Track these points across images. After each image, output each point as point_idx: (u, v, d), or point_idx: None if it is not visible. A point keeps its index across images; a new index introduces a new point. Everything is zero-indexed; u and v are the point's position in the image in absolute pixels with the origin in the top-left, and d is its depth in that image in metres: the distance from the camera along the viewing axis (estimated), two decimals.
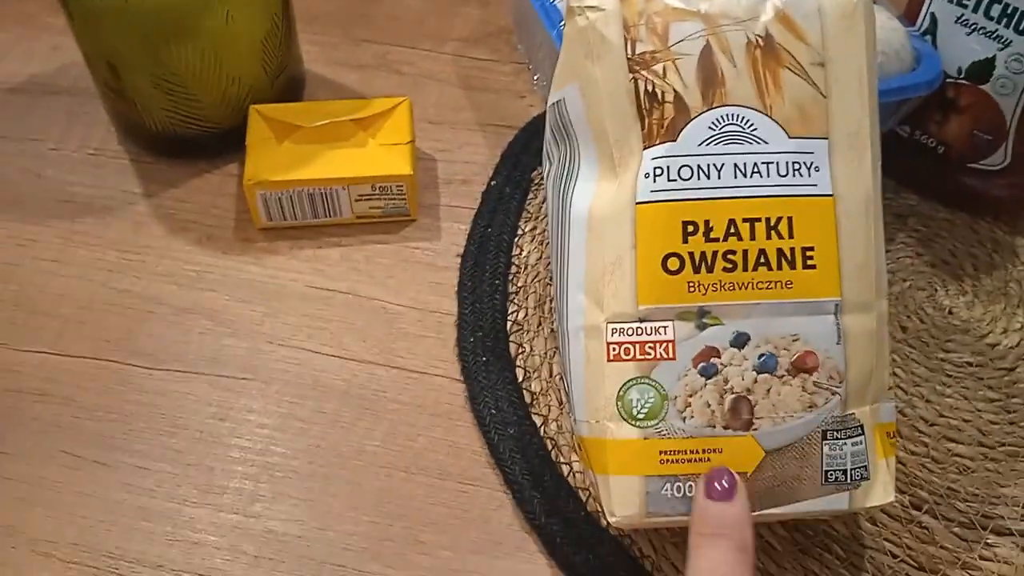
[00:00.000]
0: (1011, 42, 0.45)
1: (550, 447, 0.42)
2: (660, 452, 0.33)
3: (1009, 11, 0.44)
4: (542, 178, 0.51)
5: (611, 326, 0.34)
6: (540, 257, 0.49)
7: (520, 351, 0.45)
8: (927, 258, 0.50)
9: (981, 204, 0.51)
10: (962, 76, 0.47)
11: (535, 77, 0.58)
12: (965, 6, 0.46)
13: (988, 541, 0.40)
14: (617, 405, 0.33)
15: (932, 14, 0.47)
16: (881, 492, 0.34)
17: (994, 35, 0.45)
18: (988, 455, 0.42)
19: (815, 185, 0.33)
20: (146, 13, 0.46)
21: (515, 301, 0.48)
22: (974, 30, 0.46)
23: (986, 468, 0.42)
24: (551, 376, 0.44)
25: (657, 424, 0.33)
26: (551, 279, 0.47)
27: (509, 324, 0.46)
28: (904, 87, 0.44)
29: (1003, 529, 0.40)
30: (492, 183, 0.53)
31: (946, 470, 0.42)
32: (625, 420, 0.33)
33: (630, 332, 0.34)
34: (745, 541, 0.31)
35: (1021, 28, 0.44)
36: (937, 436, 0.43)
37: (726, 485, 0.32)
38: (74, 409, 0.43)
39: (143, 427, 0.43)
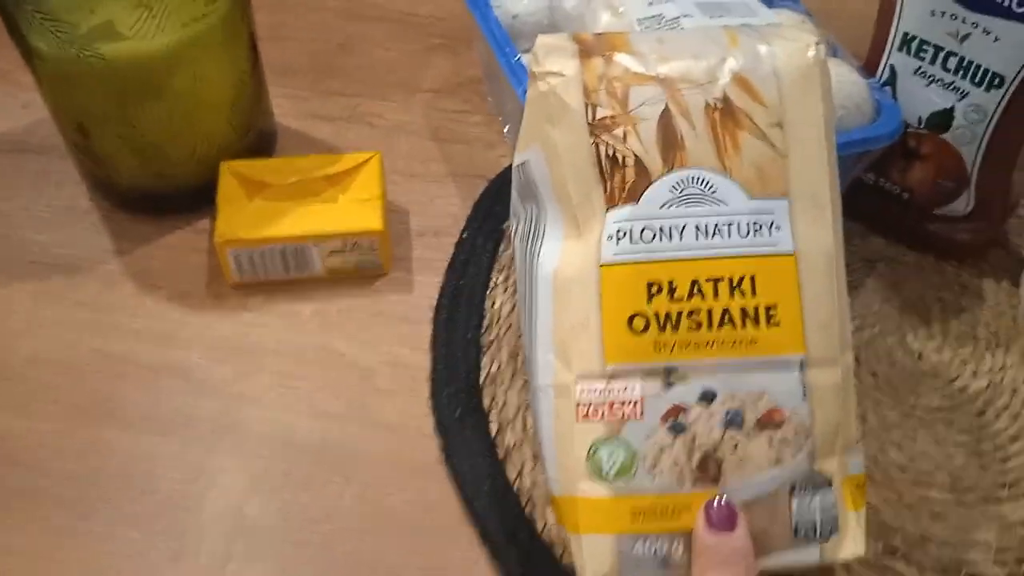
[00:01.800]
0: (968, 93, 0.46)
1: (524, 502, 0.42)
2: (631, 510, 0.33)
3: (965, 63, 0.45)
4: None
5: (579, 386, 0.34)
6: (513, 309, 0.50)
7: (494, 404, 0.45)
8: (896, 303, 0.51)
9: (947, 249, 0.52)
10: (923, 126, 0.48)
11: (505, 128, 0.59)
12: (923, 59, 0.47)
13: None
14: (587, 464, 0.34)
15: (891, 66, 0.48)
16: (852, 544, 0.34)
17: (951, 86, 0.46)
18: (961, 500, 0.43)
19: (776, 244, 0.34)
20: (113, 75, 0.46)
21: (488, 353, 0.48)
22: (932, 81, 0.47)
23: (959, 513, 0.42)
24: (525, 429, 0.44)
25: (628, 482, 0.33)
26: (521, 333, 0.47)
27: (483, 377, 0.47)
28: (865, 139, 0.45)
29: (977, 574, 0.40)
30: (464, 235, 0.54)
31: (919, 516, 0.42)
32: (595, 479, 0.33)
33: (598, 392, 0.34)
34: (752, 569, 0.31)
35: (977, 80, 0.45)
36: (910, 482, 0.43)
37: (726, 515, 0.32)
38: (48, 478, 0.43)
39: (115, 493, 0.42)
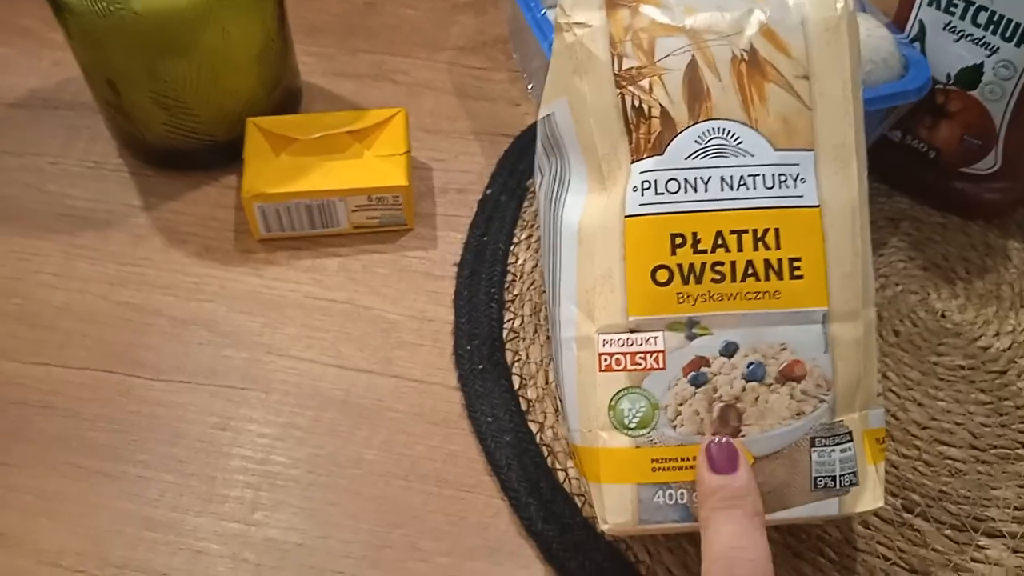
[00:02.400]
0: (998, 49, 0.45)
1: (546, 454, 0.43)
2: (652, 460, 0.34)
3: (996, 18, 0.45)
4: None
5: (602, 337, 0.34)
6: (535, 265, 0.50)
7: (516, 359, 0.46)
8: (920, 262, 0.50)
9: (973, 208, 0.52)
10: (951, 82, 0.48)
11: (529, 86, 0.59)
12: (952, 13, 0.46)
13: (979, 543, 0.40)
14: (609, 414, 0.34)
15: (920, 21, 0.48)
16: (870, 497, 0.34)
17: (981, 42, 0.46)
18: (980, 458, 0.43)
19: (801, 196, 0.34)
20: (142, 30, 0.47)
21: (511, 309, 0.48)
22: (962, 37, 0.46)
23: (977, 471, 0.42)
24: (547, 383, 0.45)
25: (648, 433, 0.34)
26: (544, 288, 0.48)
27: (505, 332, 0.47)
28: (892, 95, 0.45)
29: (994, 531, 0.40)
30: (488, 192, 0.54)
31: (938, 473, 0.42)
32: (617, 429, 0.34)
33: (621, 343, 0.34)
34: (756, 506, 0.32)
35: (1008, 35, 0.45)
36: (929, 439, 0.43)
37: (728, 456, 0.32)
38: (77, 421, 0.44)
39: (145, 437, 0.43)
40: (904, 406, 0.44)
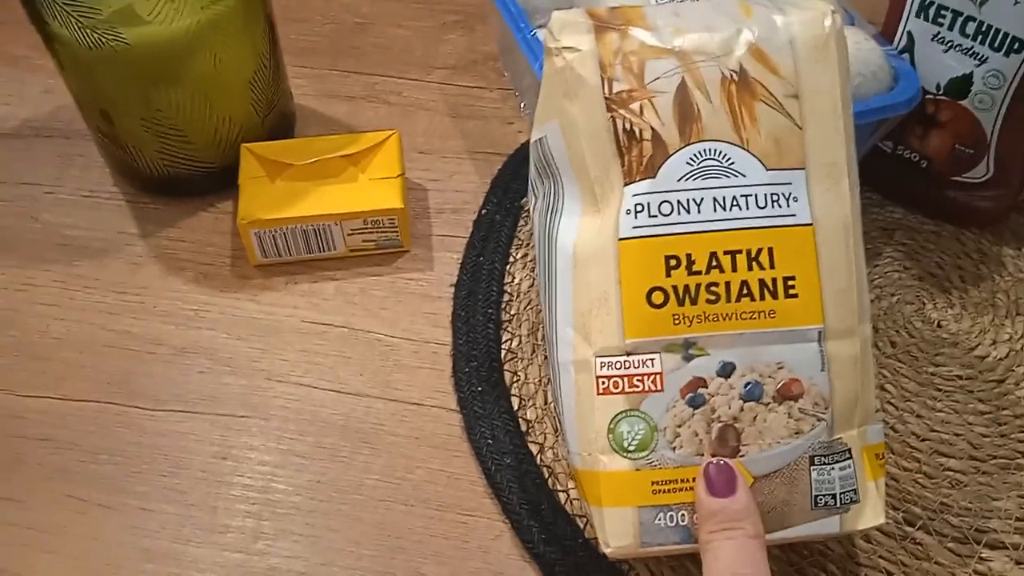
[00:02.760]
0: (987, 59, 0.45)
1: (547, 475, 0.43)
2: (652, 483, 0.34)
3: (984, 28, 0.45)
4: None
5: (599, 360, 0.34)
6: (532, 284, 0.50)
7: (515, 379, 0.46)
8: (915, 271, 0.51)
9: (966, 216, 0.52)
10: (941, 92, 0.48)
11: (522, 104, 0.59)
12: (941, 24, 0.46)
13: (982, 555, 0.40)
14: (608, 437, 0.34)
15: (909, 32, 0.48)
16: (871, 514, 0.34)
17: (970, 52, 0.46)
18: (980, 468, 0.43)
19: (794, 215, 0.34)
20: (134, 60, 0.47)
21: (508, 329, 0.48)
22: (950, 47, 0.47)
23: (978, 481, 0.42)
24: (546, 403, 0.45)
25: (648, 455, 0.34)
26: (541, 309, 0.48)
27: (503, 352, 0.47)
28: (883, 107, 0.45)
29: (996, 543, 0.40)
30: (483, 212, 0.54)
31: (939, 485, 0.42)
32: (617, 452, 0.34)
33: (618, 365, 0.34)
34: (756, 528, 0.32)
35: (996, 45, 0.45)
36: (929, 451, 0.43)
37: (726, 478, 0.32)
38: (78, 453, 0.44)
39: (146, 468, 0.43)
40: (903, 418, 0.45)
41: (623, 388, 0.34)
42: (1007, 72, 0.45)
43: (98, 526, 0.41)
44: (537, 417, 0.45)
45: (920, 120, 0.49)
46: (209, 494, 0.43)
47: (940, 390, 0.46)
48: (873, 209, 0.53)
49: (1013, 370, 0.46)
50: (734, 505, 0.32)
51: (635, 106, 0.34)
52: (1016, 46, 0.44)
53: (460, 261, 0.52)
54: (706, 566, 0.31)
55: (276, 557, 0.41)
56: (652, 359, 0.34)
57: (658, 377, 0.34)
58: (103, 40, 0.46)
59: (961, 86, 0.47)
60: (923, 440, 0.44)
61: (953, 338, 0.48)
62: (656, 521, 0.34)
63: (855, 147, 0.36)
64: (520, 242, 0.52)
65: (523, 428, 0.44)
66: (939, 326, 0.48)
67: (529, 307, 0.49)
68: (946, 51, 0.47)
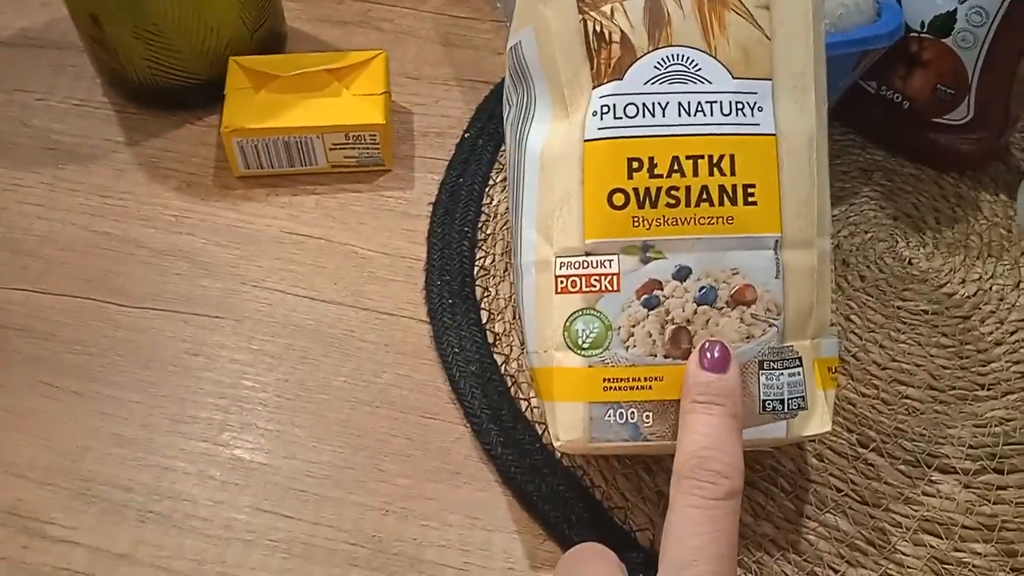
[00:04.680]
0: None
1: (510, 384, 0.43)
2: (604, 380, 0.34)
3: None
4: None
5: (559, 260, 0.35)
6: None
7: (485, 295, 0.47)
8: (890, 211, 0.51)
9: (946, 159, 0.52)
10: (925, 30, 0.48)
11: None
12: None
13: (932, 478, 0.41)
14: (564, 335, 0.35)
15: None
16: (818, 422, 0.35)
17: None
18: (938, 398, 0.43)
19: (757, 124, 0.34)
20: None
21: (483, 248, 0.49)
22: None
23: (935, 410, 0.43)
24: (514, 318, 0.46)
25: (601, 353, 0.34)
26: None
27: (476, 269, 0.48)
28: (865, 39, 0.45)
29: (947, 467, 0.41)
30: (466, 135, 0.54)
31: (895, 411, 0.43)
32: (571, 349, 0.35)
33: (577, 265, 0.35)
34: (738, 409, 0.32)
35: None
36: (888, 379, 0.44)
37: (720, 355, 0.33)
38: (54, 343, 0.45)
39: (119, 360, 0.44)
40: (865, 347, 0.45)
41: (580, 287, 0.35)
42: (990, 8, 0.45)
43: (70, 411, 0.42)
44: (505, 331, 0.45)
45: (903, 59, 0.49)
46: (179, 387, 0.43)
47: (905, 323, 0.46)
48: (854, 150, 0.54)
49: (979, 308, 0.47)
50: (722, 382, 0.33)
51: (606, 8, 0.35)
52: None
53: (440, 181, 0.52)
54: (682, 436, 0.32)
55: (241, 448, 0.42)
56: (610, 260, 0.34)
57: (615, 278, 0.34)
58: None
59: (945, 23, 0.47)
60: (884, 368, 0.44)
61: (923, 275, 0.48)
62: (606, 417, 0.34)
63: (836, 78, 0.36)
64: (500, 166, 0.53)
65: (490, 340, 0.45)
66: (910, 263, 0.49)
67: (505, 227, 0.50)
68: None
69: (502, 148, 0.54)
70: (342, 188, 0.52)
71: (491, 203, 0.51)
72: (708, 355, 0.33)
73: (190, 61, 0.53)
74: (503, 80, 0.58)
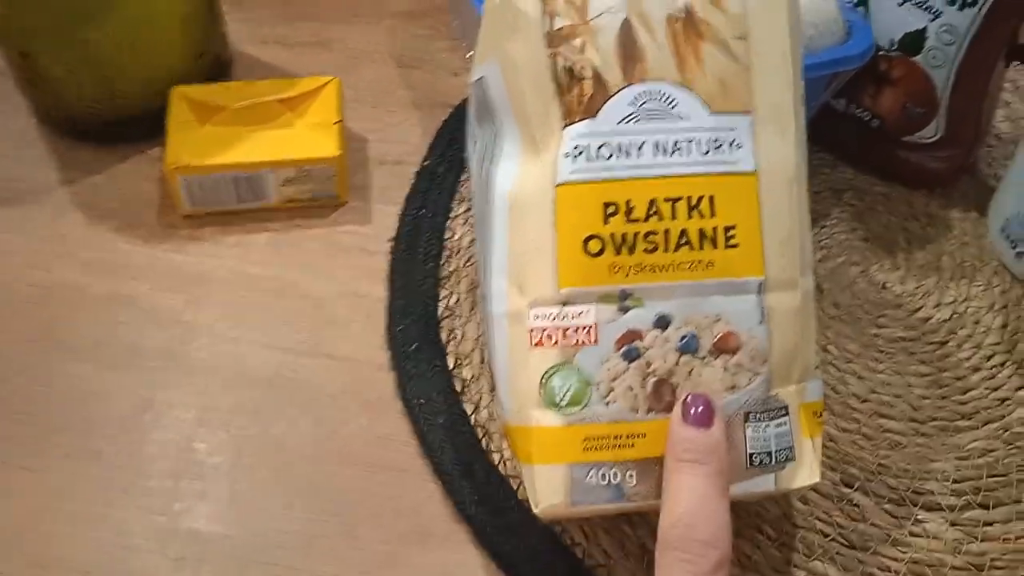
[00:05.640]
0: (941, 13, 0.44)
1: (480, 435, 0.41)
2: (584, 439, 0.32)
3: None
4: None
5: (533, 311, 0.33)
6: (473, 239, 0.48)
7: (452, 337, 0.44)
8: (861, 232, 0.50)
9: (916, 177, 0.51)
10: (895, 48, 0.47)
11: (468, 55, 0.57)
12: None
13: (918, 517, 0.40)
14: (540, 392, 0.33)
15: None
16: (807, 473, 0.34)
17: (925, 6, 0.45)
18: (919, 430, 0.42)
19: (737, 162, 0.33)
20: None
21: (447, 286, 0.47)
22: (906, 0, 0.45)
23: (917, 443, 0.42)
24: (482, 363, 0.44)
25: (581, 411, 0.32)
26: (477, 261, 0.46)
27: (440, 310, 0.46)
28: (835, 60, 0.44)
29: (933, 504, 0.40)
30: (425, 164, 0.52)
31: (877, 446, 0.42)
32: (549, 408, 0.33)
33: (552, 317, 0.33)
34: (723, 466, 0.31)
35: None
36: (869, 412, 0.43)
37: (704, 409, 0.31)
38: None
39: (62, 424, 0.41)
40: (844, 379, 0.44)
41: (557, 340, 0.33)
42: (960, 27, 0.44)
43: (15, 487, 0.39)
44: (473, 376, 0.43)
45: (873, 78, 0.48)
46: (130, 452, 0.40)
47: (882, 351, 0.45)
48: (824, 169, 0.52)
49: (955, 332, 0.46)
50: (707, 438, 0.31)
51: (576, 43, 0.33)
52: (969, 0, 0.43)
53: (400, 214, 0.50)
54: (666, 499, 0.30)
55: (199, 519, 0.39)
56: (587, 310, 0.32)
57: (592, 329, 0.32)
58: None
59: (915, 41, 0.46)
60: (864, 401, 0.43)
61: (897, 300, 0.47)
62: (588, 479, 0.32)
63: (806, 101, 0.34)
64: (462, 196, 0.50)
65: (458, 388, 0.43)
66: (884, 287, 0.48)
67: (469, 264, 0.47)
68: (901, 4, 0.46)
69: (463, 176, 0.51)
70: (295, 224, 0.49)
71: (454, 236, 0.49)
72: (692, 410, 0.31)
73: (130, 93, 0.50)
74: (462, 103, 0.56)
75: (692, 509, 0.30)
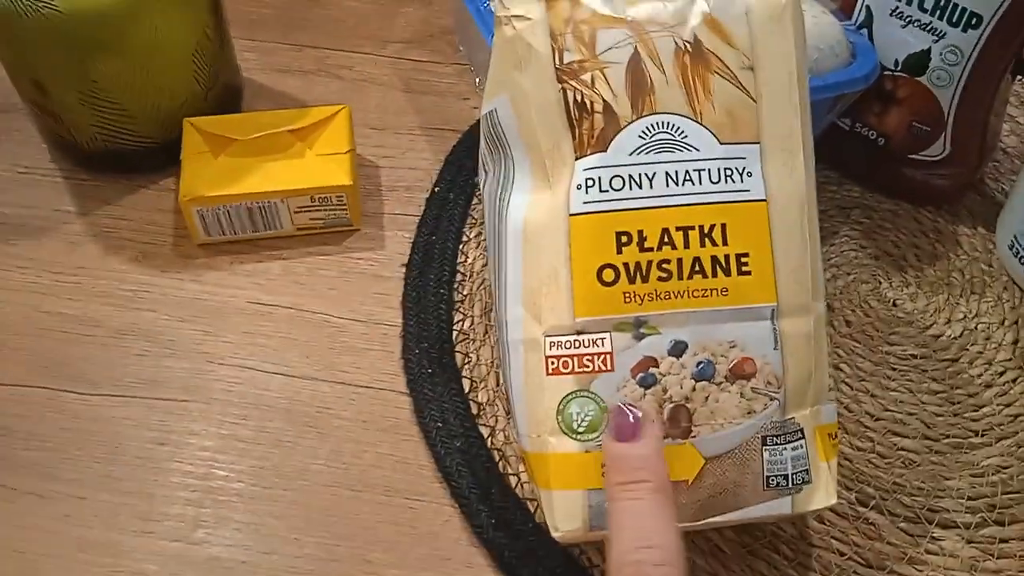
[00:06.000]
0: (945, 34, 0.45)
1: (497, 458, 0.42)
2: (602, 465, 0.33)
3: (942, 3, 0.44)
4: None
5: (549, 339, 0.33)
6: (485, 264, 0.49)
7: (466, 361, 0.45)
8: (871, 250, 0.50)
9: (923, 194, 0.52)
10: (899, 68, 0.47)
11: (476, 79, 0.58)
12: None
13: (934, 535, 0.40)
14: (558, 419, 0.33)
15: (867, 7, 0.47)
16: (823, 495, 0.34)
17: (928, 27, 0.45)
18: (933, 447, 0.43)
19: (748, 190, 0.33)
20: (68, 30, 0.45)
21: (460, 310, 0.47)
22: (909, 23, 0.46)
23: (931, 461, 0.42)
24: (498, 385, 0.44)
25: (598, 437, 0.33)
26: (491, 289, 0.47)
27: (455, 334, 0.46)
28: (840, 83, 0.44)
29: (948, 522, 0.40)
30: (436, 189, 0.53)
31: (892, 465, 0.42)
32: (566, 434, 0.33)
33: (568, 345, 0.33)
34: (661, 480, 0.30)
35: (954, 20, 0.44)
36: (883, 431, 0.43)
37: (631, 423, 0.31)
38: (9, 439, 0.42)
39: (79, 455, 0.42)
40: (857, 398, 0.44)
41: (573, 368, 0.33)
42: (965, 48, 0.45)
43: (30, 515, 0.40)
44: (489, 399, 0.44)
45: (878, 97, 0.49)
46: (146, 481, 0.41)
47: (895, 369, 0.45)
48: (831, 188, 0.53)
49: (967, 349, 0.46)
50: (636, 451, 0.30)
51: (586, 77, 0.33)
52: (974, 21, 0.44)
53: (412, 240, 0.50)
54: (610, 521, 0.30)
55: (217, 546, 0.39)
56: (602, 338, 0.33)
57: (608, 357, 0.33)
58: (33, 7, 0.43)
59: (919, 62, 0.46)
60: (877, 420, 0.43)
61: (908, 317, 0.47)
62: (606, 504, 0.33)
63: (812, 122, 0.35)
64: (473, 221, 0.51)
65: (474, 411, 0.43)
66: (895, 305, 0.48)
67: (482, 287, 0.48)
68: (904, 26, 0.46)
69: (474, 202, 0.52)
70: (309, 252, 0.50)
71: (466, 261, 0.49)
72: (617, 422, 0.31)
73: (143, 124, 0.51)
74: (470, 128, 0.57)
75: (640, 537, 0.29)
